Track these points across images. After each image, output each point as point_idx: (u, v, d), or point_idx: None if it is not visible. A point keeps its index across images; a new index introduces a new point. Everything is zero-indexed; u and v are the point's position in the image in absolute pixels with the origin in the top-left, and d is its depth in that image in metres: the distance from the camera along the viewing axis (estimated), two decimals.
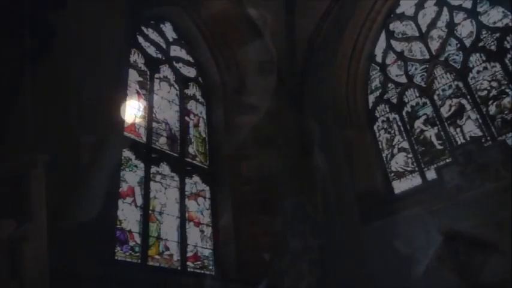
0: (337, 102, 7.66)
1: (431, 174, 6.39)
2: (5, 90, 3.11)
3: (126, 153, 5.41)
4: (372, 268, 5.99)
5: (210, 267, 5.84)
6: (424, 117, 6.92)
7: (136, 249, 5.03)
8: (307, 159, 7.49)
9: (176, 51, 7.38)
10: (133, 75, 6.13)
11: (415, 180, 6.68)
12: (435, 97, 6.86)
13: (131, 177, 5.37)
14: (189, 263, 5.59)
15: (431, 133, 6.74)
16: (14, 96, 3.27)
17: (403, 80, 7.44)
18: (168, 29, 7.42)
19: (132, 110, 5.86)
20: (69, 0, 4.39)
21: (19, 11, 3.44)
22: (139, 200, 5.34)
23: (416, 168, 6.71)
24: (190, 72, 7.42)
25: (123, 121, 5.32)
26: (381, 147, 7.32)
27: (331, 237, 6.63)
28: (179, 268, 5.41)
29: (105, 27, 5.03)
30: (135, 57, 6.37)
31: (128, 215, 5.12)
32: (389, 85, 7.62)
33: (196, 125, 7.00)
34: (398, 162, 7.00)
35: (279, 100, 7.71)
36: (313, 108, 7.84)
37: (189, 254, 5.66)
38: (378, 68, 7.88)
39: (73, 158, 4.02)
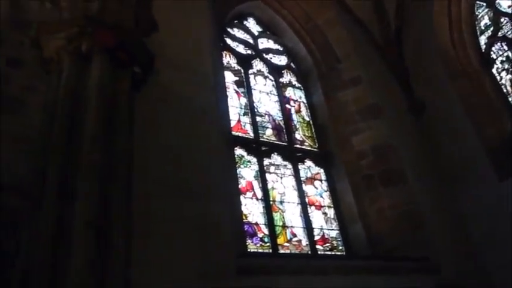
0: (443, 52, 7.00)
1: None
2: (123, 123, 3.48)
3: (238, 151, 5.66)
4: None
5: (340, 248, 5.82)
6: None
7: (266, 239, 5.24)
8: (420, 120, 7.01)
9: (264, 43, 7.48)
10: (229, 77, 6.38)
11: None
12: None
13: (247, 173, 5.61)
14: (318, 247, 5.64)
15: None
16: (131, 125, 3.64)
17: None
18: (251, 24, 7.55)
19: (235, 110, 6.11)
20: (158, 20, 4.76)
21: (121, 44, 3.81)
22: (259, 193, 5.55)
23: None
24: (281, 60, 7.46)
25: (229, 122, 5.59)
26: (505, 90, 6.51)
27: (465, 200, 6.13)
28: (309, 252, 5.50)
29: (195, 37, 5.29)
30: (228, 59, 6.62)
31: (252, 209, 5.36)
32: (502, 20, 6.74)
33: (298, 111, 7.02)
34: None
35: (377, 65, 7.32)
36: (416, 65, 7.27)
37: (317, 238, 5.71)
38: (484, 3, 7.00)
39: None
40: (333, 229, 5.95)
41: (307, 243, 5.56)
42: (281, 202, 5.72)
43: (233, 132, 5.75)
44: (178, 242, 3.73)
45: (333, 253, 5.72)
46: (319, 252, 5.58)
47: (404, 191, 6.01)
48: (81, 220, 2.96)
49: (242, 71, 6.68)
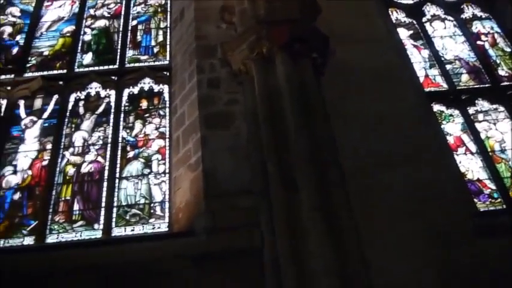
0: None
1: None
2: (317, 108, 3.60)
3: (436, 107, 5.18)
4: None
5: None
6: None
7: (495, 195, 4.63)
8: None
9: None
10: (403, 33, 5.89)
11: None
12: None
13: (453, 128, 5.07)
14: None
15: None
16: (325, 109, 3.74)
17: None
18: None
19: (419, 65, 5.60)
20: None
21: (295, 36, 3.94)
22: (472, 147, 4.95)
23: None
24: None
25: (418, 79, 5.19)
26: None
27: None
28: None
29: (358, 5, 5.13)
30: (396, 15, 6.14)
31: (468, 165, 4.82)
32: None
33: (493, 44, 6.02)
34: None
35: None
36: None
37: None
38: None
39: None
40: None
41: None
42: (502, 151, 4.98)
43: (425, 89, 5.29)
44: (401, 212, 3.64)
45: None
46: None
47: None
48: (308, 207, 3.15)
49: (415, 22, 6.10)
